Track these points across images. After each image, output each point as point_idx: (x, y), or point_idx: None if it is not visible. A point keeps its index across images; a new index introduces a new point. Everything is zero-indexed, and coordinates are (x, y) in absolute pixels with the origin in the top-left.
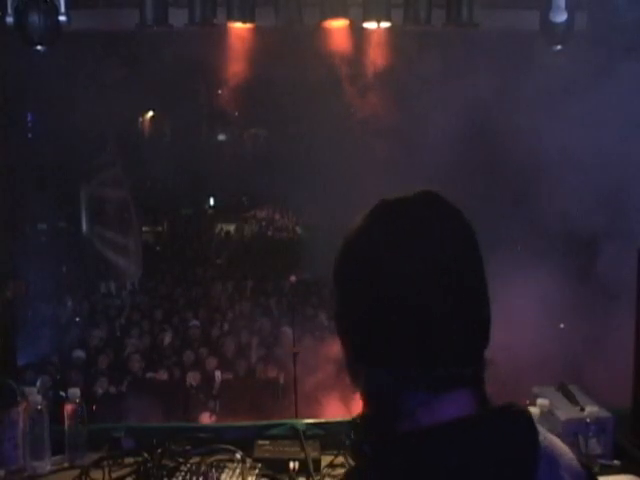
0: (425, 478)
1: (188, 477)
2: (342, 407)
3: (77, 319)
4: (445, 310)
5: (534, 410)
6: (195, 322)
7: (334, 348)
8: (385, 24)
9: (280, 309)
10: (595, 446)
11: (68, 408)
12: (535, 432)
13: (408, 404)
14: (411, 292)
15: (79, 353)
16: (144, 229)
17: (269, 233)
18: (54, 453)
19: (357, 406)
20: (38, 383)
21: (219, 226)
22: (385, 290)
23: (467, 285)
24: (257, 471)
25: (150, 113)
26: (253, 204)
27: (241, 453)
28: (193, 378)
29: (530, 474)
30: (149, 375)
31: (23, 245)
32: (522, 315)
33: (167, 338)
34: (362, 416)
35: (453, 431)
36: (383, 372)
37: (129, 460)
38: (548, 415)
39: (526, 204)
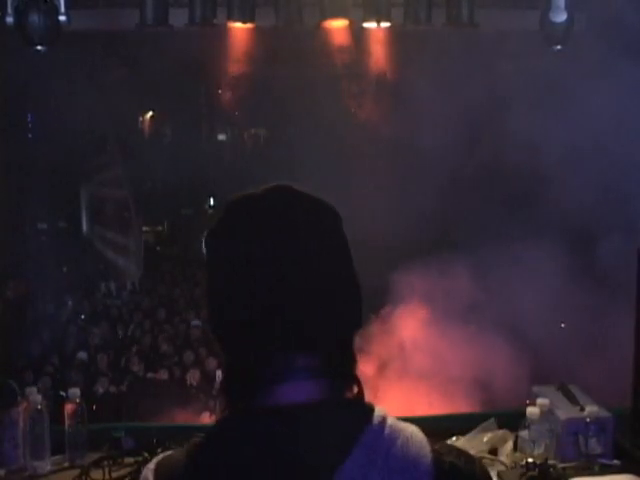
0: (234, 455)
1: None
2: None
3: (82, 316)
4: (275, 304)
5: (534, 410)
6: (196, 322)
7: None
8: (385, 24)
9: None
10: (595, 446)
11: (68, 408)
12: (357, 427)
13: (251, 389)
14: (241, 288)
15: (79, 353)
16: (144, 229)
17: None
18: (54, 453)
19: None
20: (38, 383)
21: None
22: (222, 285)
23: (308, 279)
24: None
25: (150, 113)
26: None
27: None
28: (193, 378)
29: (333, 466)
30: (149, 375)
31: (23, 245)
32: (522, 314)
33: (167, 338)
34: (221, 397)
35: (277, 414)
36: (233, 358)
37: (129, 460)
38: (548, 415)
39: (526, 204)
